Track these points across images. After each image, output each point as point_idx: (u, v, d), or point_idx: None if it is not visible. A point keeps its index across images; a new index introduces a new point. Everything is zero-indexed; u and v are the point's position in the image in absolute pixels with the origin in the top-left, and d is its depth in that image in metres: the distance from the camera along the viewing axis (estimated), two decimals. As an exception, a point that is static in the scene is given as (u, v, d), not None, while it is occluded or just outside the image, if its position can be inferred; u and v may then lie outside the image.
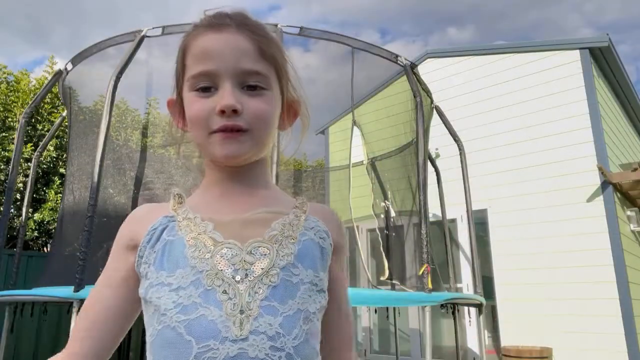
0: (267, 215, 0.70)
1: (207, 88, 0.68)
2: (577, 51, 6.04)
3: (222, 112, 0.66)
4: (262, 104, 0.69)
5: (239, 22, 0.70)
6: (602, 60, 6.25)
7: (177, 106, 0.75)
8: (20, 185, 6.83)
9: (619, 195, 5.76)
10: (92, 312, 0.70)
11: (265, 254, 0.65)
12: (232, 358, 0.59)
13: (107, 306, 0.69)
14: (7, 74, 8.34)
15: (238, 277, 0.63)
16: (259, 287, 0.63)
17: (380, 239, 5.60)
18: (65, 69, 4.32)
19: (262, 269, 0.64)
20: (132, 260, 0.69)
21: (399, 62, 4.32)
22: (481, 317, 4.34)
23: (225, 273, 0.63)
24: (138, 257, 0.68)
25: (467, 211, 4.82)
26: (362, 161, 6.13)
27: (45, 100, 7.67)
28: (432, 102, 4.86)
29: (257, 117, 0.68)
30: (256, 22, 0.73)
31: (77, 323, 0.70)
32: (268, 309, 0.62)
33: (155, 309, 0.64)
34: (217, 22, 0.71)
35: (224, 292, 0.62)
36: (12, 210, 5.94)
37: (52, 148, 7.39)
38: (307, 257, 0.68)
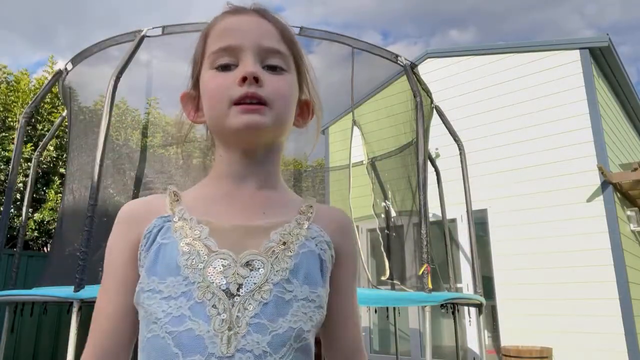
0: (266, 224, 0.67)
1: (227, 66, 0.67)
2: (577, 51, 6.04)
3: (244, 79, 0.64)
4: (283, 82, 0.68)
5: (260, 10, 0.71)
6: (602, 60, 6.25)
7: (191, 97, 0.74)
8: (20, 185, 6.81)
9: (619, 195, 5.76)
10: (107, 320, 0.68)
11: (259, 268, 0.62)
12: None
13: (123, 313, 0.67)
14: (7, 74, 8.32)
15: (229, 292, 0.61)
16: (249, 304, 0.60)
17: (380, 238, 5.60)
18: (65, 68, 4.32)
19: (254, 284, 0.61)
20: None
21: (399, 62, 4.32)
22: (481, 317, 4.34)
23: (217, 286, 0.61)
24: (138, 259, 0.66)
25: (467, 211, 4.82)
26: (362, 161, 6.12)
27: (45, 100, 7.66)
28: (432, 102, 4.85)
29: (278, 93, 0.66)
30: (277, 15, 0.74)
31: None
32: (257, 326, 0.59)
33: (145, 314, 0.63)
34: (239, 8, 0.71)
35: (214, 306, 0.59)
36: (12, 210, 5.94)
37: (52, 148, 7.38)
38: (304, 271, 0.65)
